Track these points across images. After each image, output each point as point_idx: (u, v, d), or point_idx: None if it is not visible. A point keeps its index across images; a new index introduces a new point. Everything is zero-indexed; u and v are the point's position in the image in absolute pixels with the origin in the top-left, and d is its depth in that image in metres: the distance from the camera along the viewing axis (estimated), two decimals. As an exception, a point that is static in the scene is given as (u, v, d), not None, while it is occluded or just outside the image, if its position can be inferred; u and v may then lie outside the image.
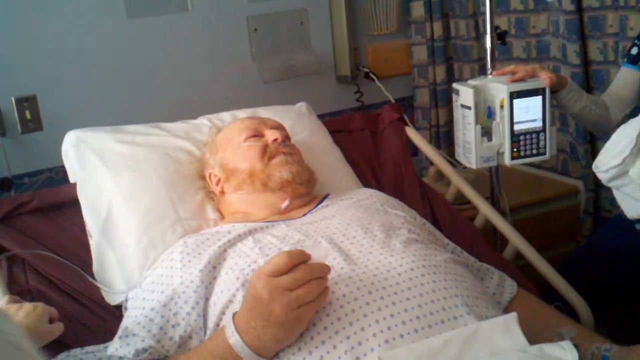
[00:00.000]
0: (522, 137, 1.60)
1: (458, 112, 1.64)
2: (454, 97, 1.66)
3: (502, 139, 1.60)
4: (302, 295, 0.92)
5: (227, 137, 1.45)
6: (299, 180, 1.37)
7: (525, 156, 1.62)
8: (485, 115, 1.59)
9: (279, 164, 1.37)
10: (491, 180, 1.88)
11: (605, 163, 1.36)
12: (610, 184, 1.40)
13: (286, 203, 1.34)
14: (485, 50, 1.79)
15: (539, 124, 1.60)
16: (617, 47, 2.02)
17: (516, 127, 1.59)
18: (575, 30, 2.08)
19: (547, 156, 1.63)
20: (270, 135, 1.42)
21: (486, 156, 1.61)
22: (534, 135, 1.60)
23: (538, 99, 1.58)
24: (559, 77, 1.62)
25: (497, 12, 2.43)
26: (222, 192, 1.43)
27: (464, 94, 1.59)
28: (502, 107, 1.57)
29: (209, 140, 1.53)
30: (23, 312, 1.07)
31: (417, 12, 2.66)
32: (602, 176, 1.39)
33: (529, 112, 1.59)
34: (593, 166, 1.41)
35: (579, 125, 2.15)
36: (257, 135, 1.43)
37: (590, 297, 1.45)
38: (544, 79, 1.57)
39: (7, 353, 0.52)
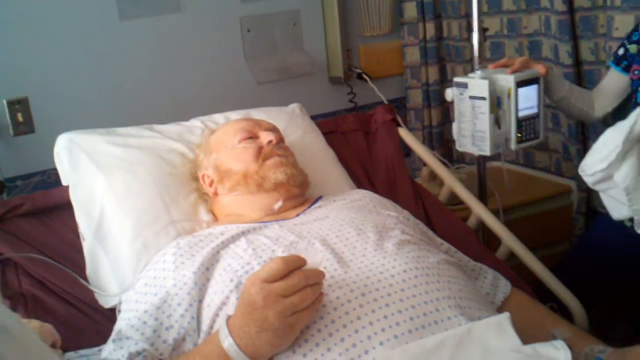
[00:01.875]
0: (524, 123, 1.73)
1: (465, 104, 1.72)
2: (457, 90, 1.74)
3: (509, 126, 1.71)
4: (296, 302, 0.92)
5: (221, 139, 1.45)
6: (293, 182, 1.37)
7: (527, 140, 1.75)
8: (495, 105, 1.69)
9: (273, 166, 1.37)
10: (479, 175, 1.94)
11: (591, 166, 1.38)
12: (595, 187, 1.42)
13: (279, 204, 1.34)
14: (472, 46, 1.88)
15: (536, 110, 1.74)
16: (608, 47, 2.03)
17: (520, 114, 1.71)
18: (567, 30, 2.09)
19: (541, 139, 1.79)
20: (265, 137, 1.42)
21: (497, 143, 1.72)
22: (531, 121, 1.74)
23: (534, 87, 1.72)
24: (548, 66, 1.74)
25: (489, 12, 2.44)
26: (216, 194, 1.42)
27: (477, 85, 1.69)
28: (509, 96, 1.68)
29: (202, 141, 1.53)
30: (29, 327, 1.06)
31: (409, 13, 2.67)
32: (588, 179, 1.41)
33: (529, 100, 1.72)
34: (579, 169, 1.43)
35: (571, 126, 2.16)
36: (252, 137, 1.42)
37: (585, 298, 1.46)
38: (539, 68, 1.70)
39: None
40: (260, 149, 1.40)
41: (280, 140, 1.47)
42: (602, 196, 1.45)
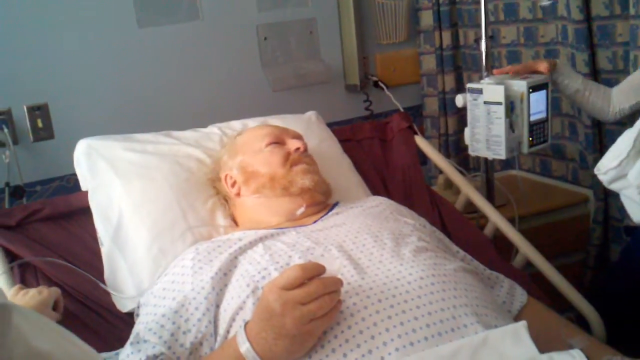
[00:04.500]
0: (535, 127, 1.78)
1: (479, 110, 1.76)
2: (471, 96, 1.77)
3: (521, 130, 1.76)
4: (314, 310, 0.92)
5: (248, 142, 1.47)
6: (319, 189, 1.39)
7: (537, 144, 1.81)
8: (509, 109, 1.73)
9: (301, 172, 1.38)
10: (488, 180, 2.03)
11: (605, 165, 1.38)
12: (610, 187, 1.43)
13: (302, 209, 1.35)
14: (481, 53, 1.97)
15: (544, 114, 1.80)
16: (626, 56, 2.01)
17: (532, 118, 1.76)
18: (584, 39, 2.08)
19: (548, 143, 1.86)
20: (293, 144, 1.43)
21: (511, 147, 1.77)
22: (541, 125, 1.80)
23: (543, 93, 1.78)
24: (551, 63, 1.80)
25: (505, 21, 2.44)
26: (238, 194, 1.43)
27: (492, 91, 1.73)
28: (522, 100, 1.73)
29: (227, 142, 1.55)
30: (29, 295, 1.18)
31: (426, 21, 2.67)
32: (602, 178, 1.42)
33: (538, 105, 1.77)
34: (595, 169, 1.44)
35: (588, 134, 2.15)
36: (279, 142, 1.44)
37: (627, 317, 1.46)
38: (543, 68, 1.77)
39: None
40: (287, 154, 1.41)
41: (306, 149, 1.48)
42: (622, 199, 1.45)
